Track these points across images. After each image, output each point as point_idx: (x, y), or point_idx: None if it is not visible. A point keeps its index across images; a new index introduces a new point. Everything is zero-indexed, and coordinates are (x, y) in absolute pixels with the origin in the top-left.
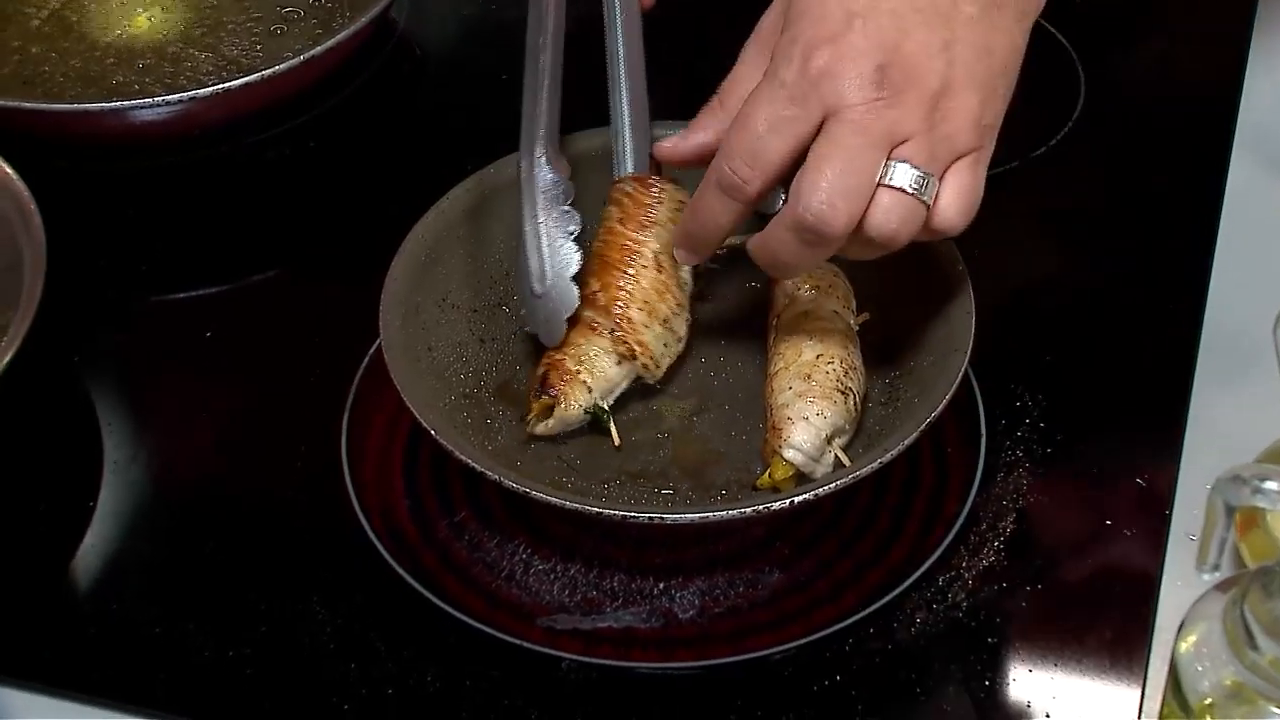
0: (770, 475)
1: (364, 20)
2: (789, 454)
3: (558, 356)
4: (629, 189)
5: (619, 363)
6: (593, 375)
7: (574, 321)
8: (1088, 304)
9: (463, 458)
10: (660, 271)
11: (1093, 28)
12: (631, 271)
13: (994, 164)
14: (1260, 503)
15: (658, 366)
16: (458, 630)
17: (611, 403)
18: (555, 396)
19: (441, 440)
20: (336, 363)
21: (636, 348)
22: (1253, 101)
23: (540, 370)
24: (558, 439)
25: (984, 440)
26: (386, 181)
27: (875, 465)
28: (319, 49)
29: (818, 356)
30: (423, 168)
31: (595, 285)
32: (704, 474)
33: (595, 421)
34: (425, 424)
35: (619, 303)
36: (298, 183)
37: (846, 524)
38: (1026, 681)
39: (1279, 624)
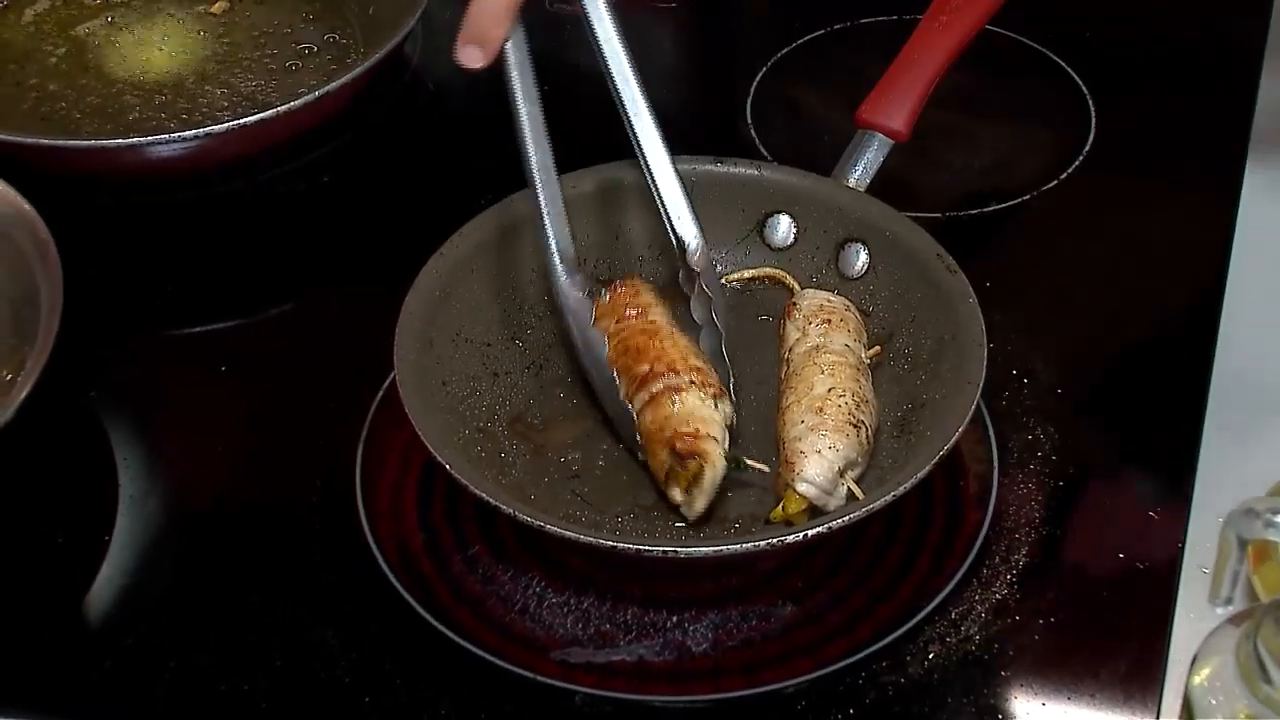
0: (783, 508)
1: (377, 56)
2: (802, 487)
3: (669, 433)
4: (600, 300)
5: (715, 406)
6: (705, 424)
7: (652, 411)
8: (1099, 338)
9: (477, 492)
10: (677, 335)
11: (1103, 62)
12: (665, 343)
13: (1005, 198)
14: (1272, 536)
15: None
16: (471, 663)
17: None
18: (699, 459)
19: (456, 474)
20: (351, 397)
21: (716, 385)
22: (1263, 138)
23: (661, 453)
24: (571, 474)
25: (996, 473)
26: (400, 216)
27: (888, 498)
28: (333, 85)
29: (829, 390)
30: (436, 202)
31: (642, 369)
32: (717, 507)
33: (737, 468)
34: (440, 458)
35: (675, 364)
36: (312, 217)
37: (859, 557)
38: (1040, 716)
39: None
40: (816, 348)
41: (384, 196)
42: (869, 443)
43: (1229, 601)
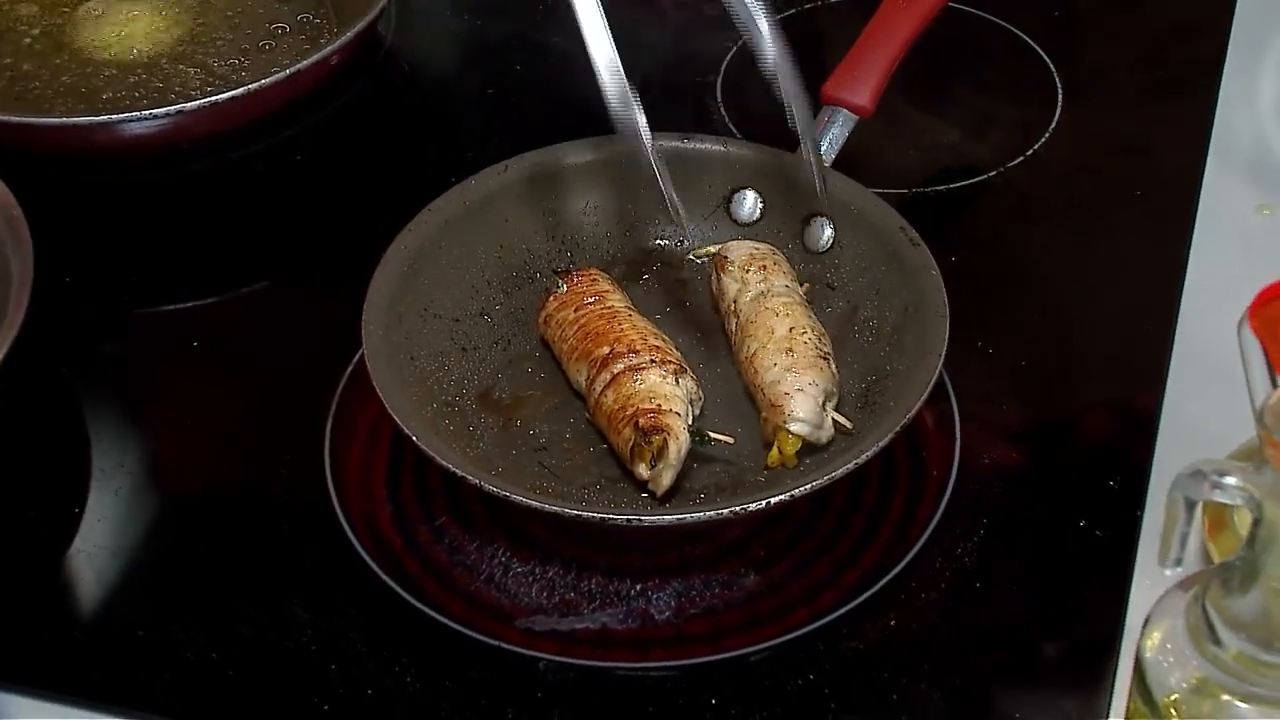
0: (780, 451)
1: (348, 35)
2: (795, 426)
3: (631, 410)
4: (558, 291)
5: (676, 382)
6: (668, 400)
7: (614, 391)
8: (1063, 310)
9: (443, 463)
10: (635, 317)
11: (1070, 39)
12: (624, 325)
13: (971, 174)
14: (1220, 498)
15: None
16: (437, 632)
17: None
18: (662, 432)
19: (422, 445)
20: (321, 372)
21: (677, 363)
22: (1227, 111)
23: (625, 430)
24: (539, 447)
25: (959, 442)
26: (373, 194)
27: (849, 467)
28: (304, 63)
29: (791, 329)
30: (409, 181)
31: (603, 351)
32: (682, 480)
33: (701, 441)
34: (406, 430)
35: (634, 345)
36: (285, 195)
37: (823, 527)
38: (998, 680)
39: (1240, 619)
40: (762, 293)
41: (357, 175)
42: (837, 374)
43: (1178, 563)
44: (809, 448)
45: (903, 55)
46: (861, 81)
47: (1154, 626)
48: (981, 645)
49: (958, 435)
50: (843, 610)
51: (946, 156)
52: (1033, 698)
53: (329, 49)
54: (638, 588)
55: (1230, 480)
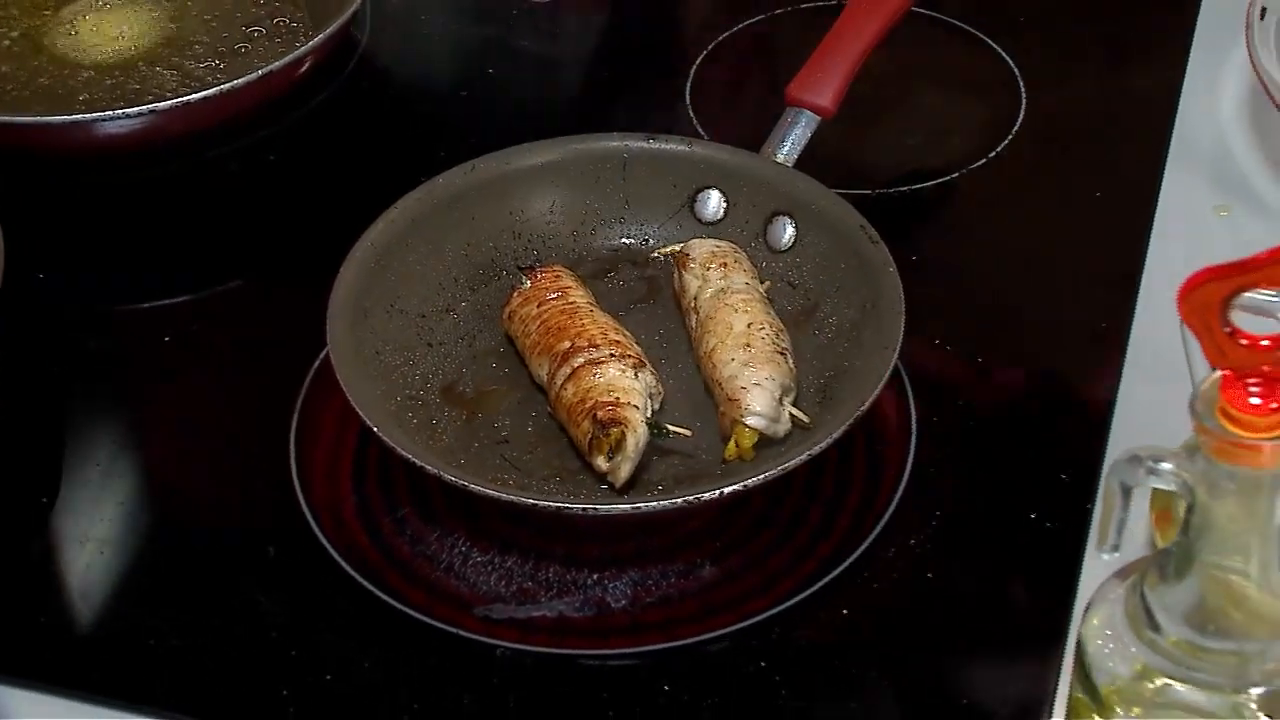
0: (736, 444)
1: (321, 38)
2: (751, 420)
3: (590, 403)
4: (522, 288)
5: (635, 376)
6: (627, 393)
7: (574, 384)
8: (1022, 310)
9: (404, 453)
10: (597, 313)
11: (1033, 42)
12: (585, 321)
13: (935, 175)
14: (1155, 484)
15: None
16: (396, 620)
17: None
18: (620, 425)
19: (382, 436)
20: (290, 368)
21: (636, 355)
22: (1188, 113)
23: (584, 423)
24: (500, 440)
25: (915, 437)
26: (346, 193)
27: (802, 459)
28: (277, 64)
29: (749, 325)
30: (381, 180)
31: (563, 346)
32: (640, 472)
33: (659, 434)
34: (367, 421)
35: (595, 339)
36: (259, 195)
37: (779, 518)
38: (948, 668)
39: (1177, 605)
40: (722, 290)
41: (330, 174)
42: (794, 369)
43: (1115, 549)
44: (766, 441)
45: (865, 58)
46: (824, 84)
47: (1094, 614)
48: (931, 634)
49: (914, 430)
50: (797, 599)
51: (911, 158)
52: (980, 686)
53: (301, 51)
54: (595, 577)
55: (1165, 466)
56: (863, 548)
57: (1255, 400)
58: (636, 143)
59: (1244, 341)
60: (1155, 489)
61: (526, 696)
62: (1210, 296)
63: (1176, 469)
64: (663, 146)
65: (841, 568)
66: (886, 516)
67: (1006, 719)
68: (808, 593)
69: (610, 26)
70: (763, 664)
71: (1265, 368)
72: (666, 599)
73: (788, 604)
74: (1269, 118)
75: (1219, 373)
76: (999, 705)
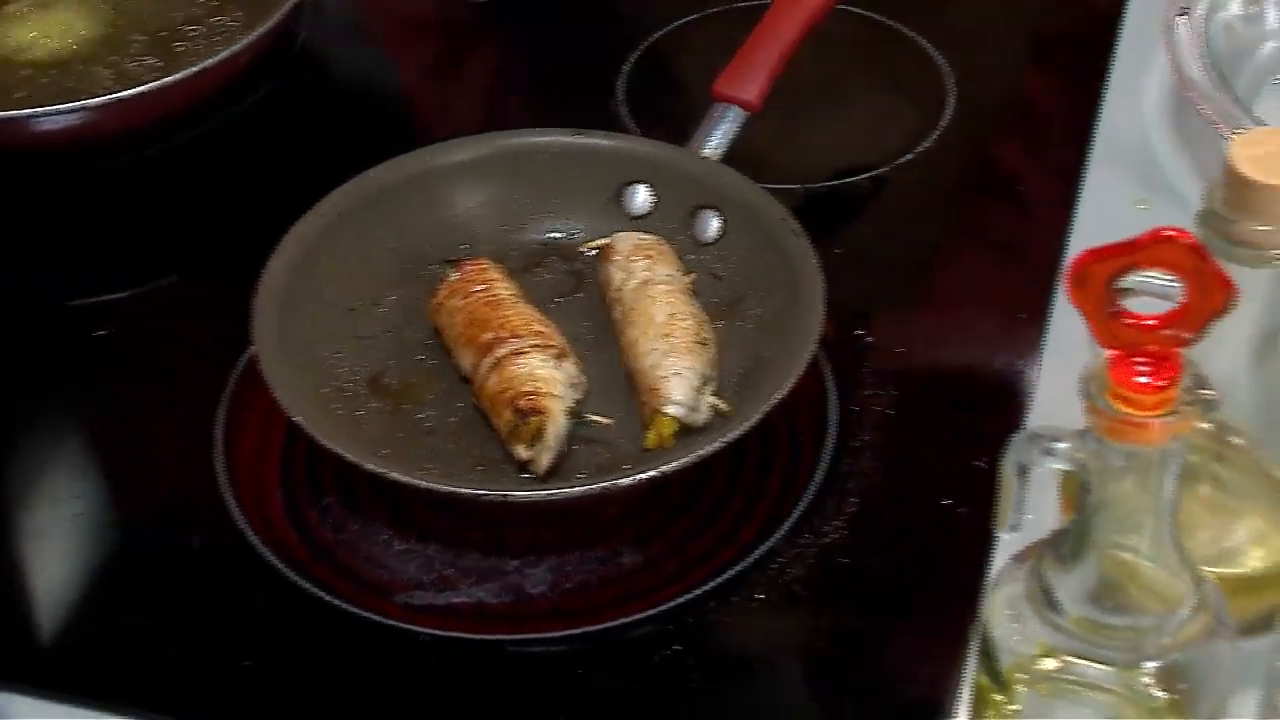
0: (657, 434)
1: (256, 34)
2: (671, 409)
3: (511, 393)
4: (449, 280)
5: (557, 365)
6: (547, 383)
7: (496, 374)
8: (944, 301)
9: (324, 443)
10: (521, 305)
11: (961, 38)
12: (508, 312)
13: (863, 170)
14: (1051, 463)
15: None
16: (318, 607)
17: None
18: (540, 414)
19: (304, 426)
20: (220, 362)
21: (559, 346)
22: (1112, 108)
23: (505, 413)
24: (426, 430)
25: (836, 426)
26: (283, 190)
27: (716, 446)
28: (211, 61)
29: (670, 315)
30: (319, 177)
31: (487, 337)
32: (563, 462)
33: (580, 423)
34: (289, 411)
35: (517, 330)
36: (196, 191)
37: (699, 506)
38: (858, 652)
39: (1076, 584)
40: (645, 282)
41: (268, 171)
42: (716, 359)
43: (1015, 529)
44: (687, 430)
45: (790, 54)
46: (750, 79)
47: (996, 595)
48: (843, 619)
49: (835, 419)
50: (713, 585)
51: (841, 153)
52: (889, 669)
53: (236, 48)
54: (515, 564)
55: (1060, 446)
56: (779, 534)
57: (1143, 379)
58: (564, 138)
59: (1130, 322)
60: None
61: (445, 682)
62: (1095, 278)
63: (1071, 448)
64: (589, 141)
65: (757, 554)
66: (804, 503)
67: (914, 701)
68: (724, 578)
69: (546, 24)
70: (678, 648)
71: (1152, 347)
72: (586, 585)
73: (704, 589)
74: (1188, 115)
75: (1108, 353)
76: (908, 687)
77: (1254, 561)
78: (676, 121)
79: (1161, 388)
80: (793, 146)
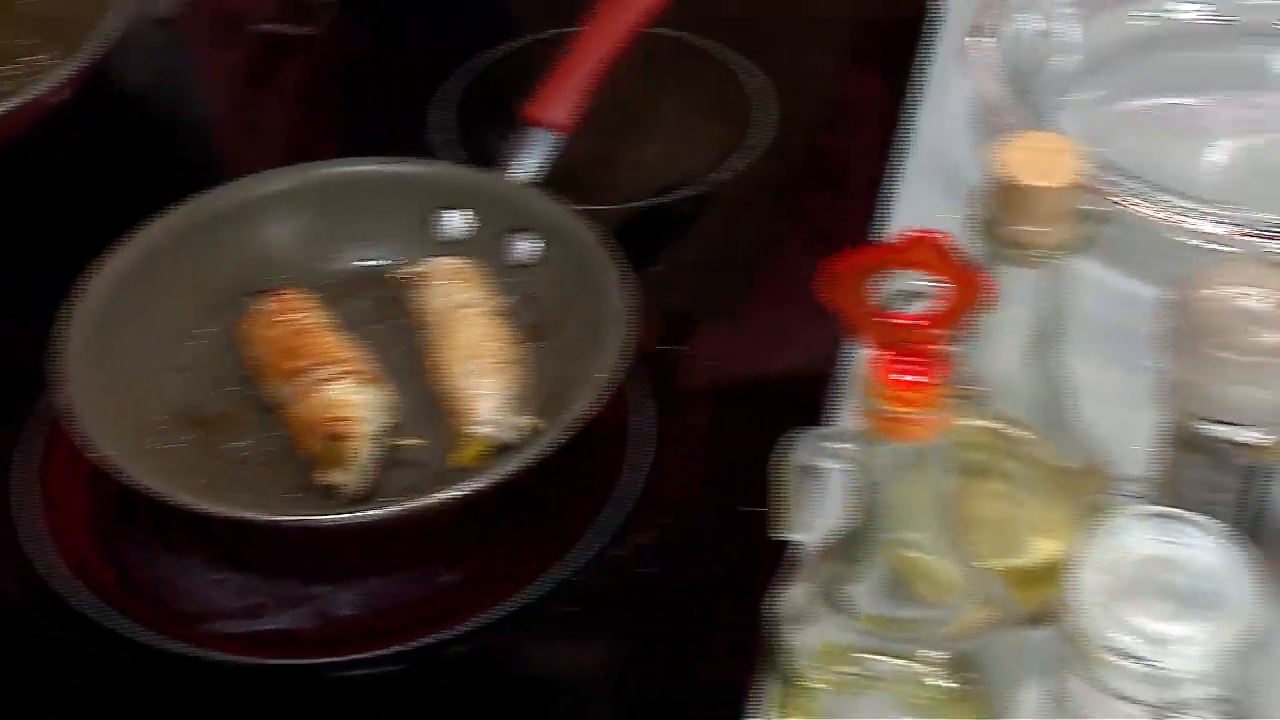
0: (467, 454)
1: (66, 72)
2: (479, 430)
3: (317, 421)
4: (259, 311)
5: (366, 391)
6: (355, 408)
7: (305, 402)
8: (758, 316)
9: (127, 478)
10: (329, 334)
11: (782, 59)
12: (317, 340)
13: (683, 187)
14: (823, 462)
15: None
16: (124, 641)
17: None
18: (347, 439)
19: (109, 461)
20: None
21: (368, 372)
22: (923, 124)
23: (313, 440)
24: (239, 461)
25: (655, 441)
26: (93, 227)
27: (522, 464)
28: (14, 103)
29: (480, 338)
30: (133, 213)
31: (297, 365)
32: (377, 486)
33: (390, 447)
34: (90, 449)
35: (325, 358)
36: (7, 229)
37: (513, 523)
38: (660, 657)
39: (858, 580)
40: (456, 305)
41: (81, 206)
42: (524, 379)
43: (803, 531)
44: (503, 450)
45: (601, 76)
46: (560, 102)
47: (783, 596)
48: (648, 631)
49: (651, 433)
50: (526, 601)
51: (659, 172)
52: (691, 674)
53: (46, 86)
54: (329, 589)
55: (835, 446)
56: (591, 550)
57: (906, 377)
58: (374, 166)
59: (890, 321)
60: None
61: (255, 708)
62: (851, 279)
63: (846, 449)
64: (400, 169)
65: (572, 569)
66: (617, 519)
67: (713, 704)
68: (537, 594)
69: (361, 53)
70: (491, 665)
71: (913, 344)
72: (399, 606)
73: (517, 605)
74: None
75: (877, 353)
76: (707, 692)
77: (1040, 553)
78: (493, 145)
79: (924, 385)
80: (615, 167)
